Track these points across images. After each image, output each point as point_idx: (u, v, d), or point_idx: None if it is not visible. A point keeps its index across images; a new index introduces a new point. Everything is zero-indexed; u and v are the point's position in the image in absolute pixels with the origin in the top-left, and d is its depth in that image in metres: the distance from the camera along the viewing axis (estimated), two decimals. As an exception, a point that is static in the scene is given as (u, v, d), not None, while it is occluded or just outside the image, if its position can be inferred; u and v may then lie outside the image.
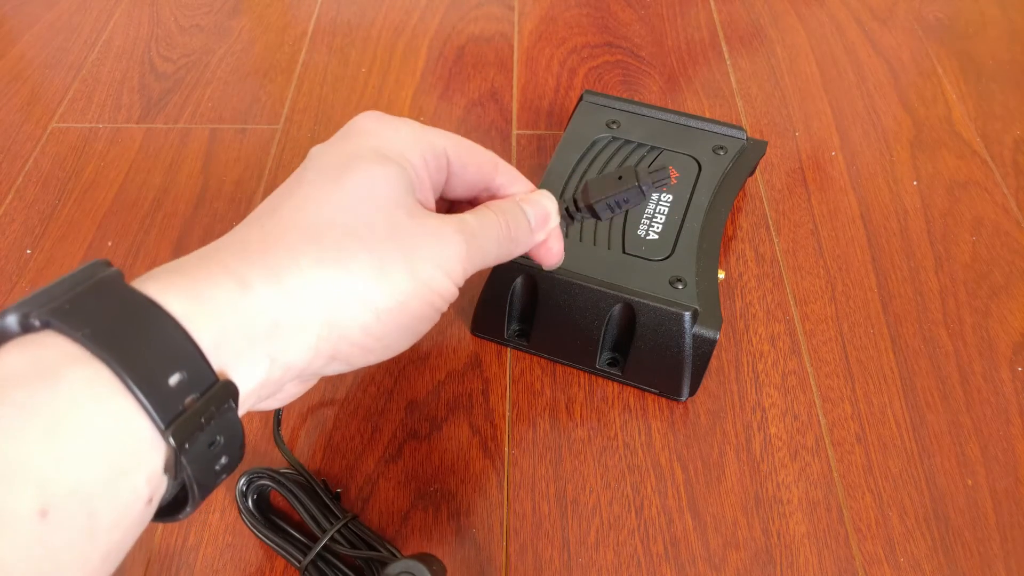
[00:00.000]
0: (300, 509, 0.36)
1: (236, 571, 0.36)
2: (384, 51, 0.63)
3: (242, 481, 0.37)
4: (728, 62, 0.62)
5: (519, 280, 0.41)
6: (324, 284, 0.27)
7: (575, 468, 0.40)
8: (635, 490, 0.39)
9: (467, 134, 0.56)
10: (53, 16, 0.66)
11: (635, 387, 0.42)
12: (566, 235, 0.37)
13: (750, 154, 0.49)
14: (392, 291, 0.28)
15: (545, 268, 0.37)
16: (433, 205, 0.33)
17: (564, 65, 0.62)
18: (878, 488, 0.39)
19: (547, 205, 0.35)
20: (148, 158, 0.54)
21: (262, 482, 0.37)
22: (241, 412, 0.25)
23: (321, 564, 0.35)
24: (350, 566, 0.35)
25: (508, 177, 0.35)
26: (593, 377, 0.43)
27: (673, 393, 0.42)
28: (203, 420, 0.22)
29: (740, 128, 0.49)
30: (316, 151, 0.30)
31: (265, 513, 0.37)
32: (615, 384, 0.43)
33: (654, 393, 0.42)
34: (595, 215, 0.36)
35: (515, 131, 0.57)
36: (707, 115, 0.57)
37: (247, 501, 0.37)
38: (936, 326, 0.46)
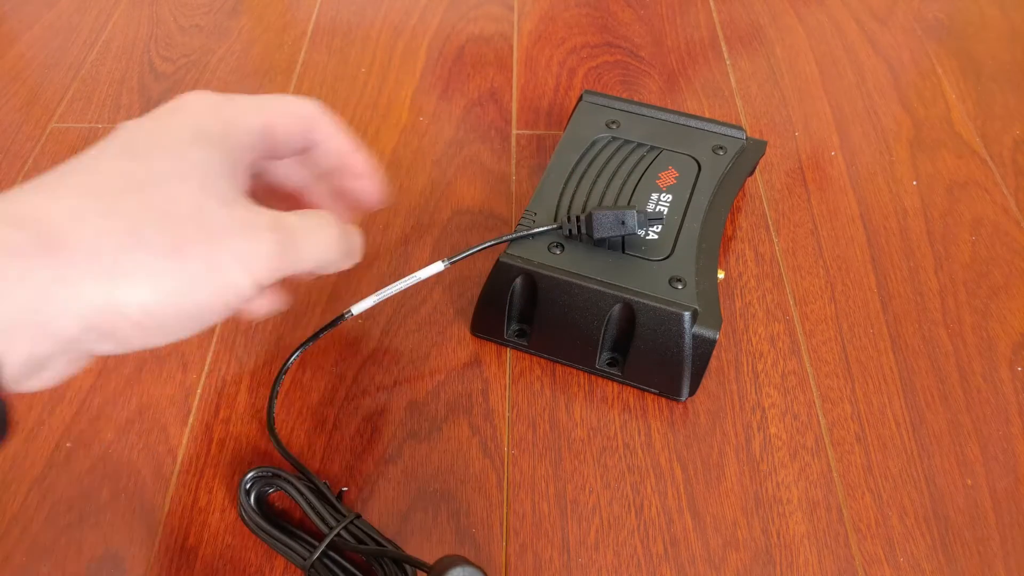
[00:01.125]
0: (306, 507, 0.36)
1: (236, 571, 0.36)
2: (384, 51, 0.63)
3: (246, 480, 0.37)
4: (728, 62, 0.62)
5: (519, 280, 0.41)
6: (110, 251, 0.25)
7: (575, 468, 0.40)
8: (635, 490, 0.39)
9: (467, 134, 0.56)
10: (52, 16, 0.66)
11: (635, 387, 0.42)
12: (561, 248, 0.39)
13: (750, 154, 0.49)
14: (183, 274, 0.26)
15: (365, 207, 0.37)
16: (250, 188, 0.31)
17: (564, 65, 0.62)
18: (878, 488, 0.39)
19: (360, 245, 0.35)
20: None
21: (265, 481, 0.37)
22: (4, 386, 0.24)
23: (327, 561, 0.35)
24: (354, 564, 0.35)
25: (329, 138, 0.34)
26: (593, 377, 0.43)
27: (673, 393, 0.42)
28: None
29: (740, 128, 0.49)
30: (127, 125, 0.29)
31: (266, 513, 0.37)
32: (615, 384, 0.43)
33: (654, 393, 0.42)
34: (592, 239, 0.41)
35: (515, 131, 0.57)
36: (707, 115, 0.57)
37: (249, 500, 0.36)
38: (936, 326, 0.46)
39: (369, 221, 0.50)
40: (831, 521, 0.38)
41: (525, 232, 0.42)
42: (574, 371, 0.43)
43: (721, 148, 0.48)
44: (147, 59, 0.62)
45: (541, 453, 0.40)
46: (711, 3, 0.68)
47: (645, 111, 0.50)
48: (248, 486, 0.37)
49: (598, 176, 0.46)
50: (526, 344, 0.43)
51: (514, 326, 0.44)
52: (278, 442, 0.38)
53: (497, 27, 0.65)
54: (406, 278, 0.40)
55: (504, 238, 0.42)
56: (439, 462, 0.40)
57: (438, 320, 0.45)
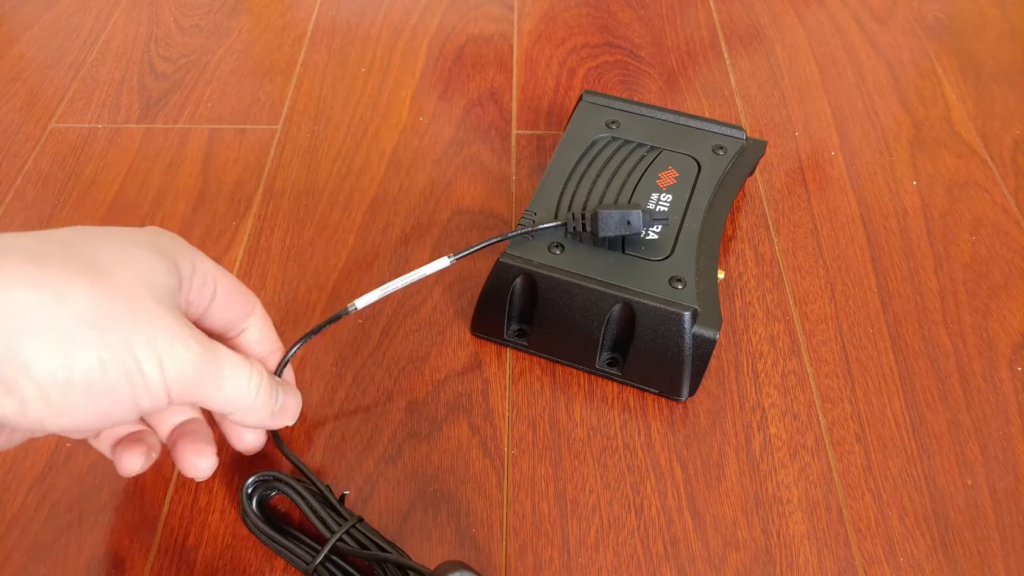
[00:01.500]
0: (308, 511, 0.36)
1: (235, 572, 0.36)
2: (383, 51, 0.63)
3: (248, 485, 0.36)
4: (728, 62, 0.62)
5: (519, 280, 0.41)
6: (29, 299, 0.24)
7: (575, 468, 0.40)
8: (635, 490, 0.39)
9: (467, 134, 0.56)
10: (52, 16, 0.66)
11: (635, 387, 0.42)
12: (561, 248, 0.39)
13: (749, 154, 0.49)
14: (97, 347, 0.25)
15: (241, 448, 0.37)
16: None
17: (564, 65, 0.62)
18: (878, 488, 0.39)
19: (295, 408, 0.36)
20: (147, 158, 0.54)
21: (267, 486, 0.37)
22: None
23: (329, 565, 0.35)
24: (357, 568, 0.35)
25: (259, 328, 0.36)
26: (593, 377, 0.43)
27: (673, 393, 0.42)
28: None
29: (739, 128, 0.49)
30: (83, 226, 0.29)
31: (269, 517, 0.37)
32: (615, 384, 0.43)
33: (654, 393, 0.42)
34: (595, 237, 0.42)
35: (514, 131, 0.57)
36: (707, 115, 0.57)
37: (252, 504, 0.36)
38: (935, 326, 0.46)
39: (369, 221, 0.50)
40: (831, 521, 0.38)
41: (530, 229, 0.42)
42: (574, 371, 0.43)
43: (721, 148, 0.48)
44: (147, 59, 0.62)
45: (541, 453, 0.40)
46: (711, 3, 0.68)
47: (645, 111, 0.50)
48: (250, 491, 0.37)
49: (598, 176, 0.46)
50: (526, 344, 0.43)
51: (514, 326, 0.44)
52: (280, 442, 0.38)
53: (497, 27, 0.65)
54: (411, 273, 0.40)
55: (509, 235, 0.42)
56: (439, 462, 0.40)
57: (438, 320, 0.45)
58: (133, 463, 0.33)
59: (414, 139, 0.56)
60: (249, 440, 0.36)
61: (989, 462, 0.40)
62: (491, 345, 0.44)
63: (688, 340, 0.39)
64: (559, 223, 0.42)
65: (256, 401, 0.32)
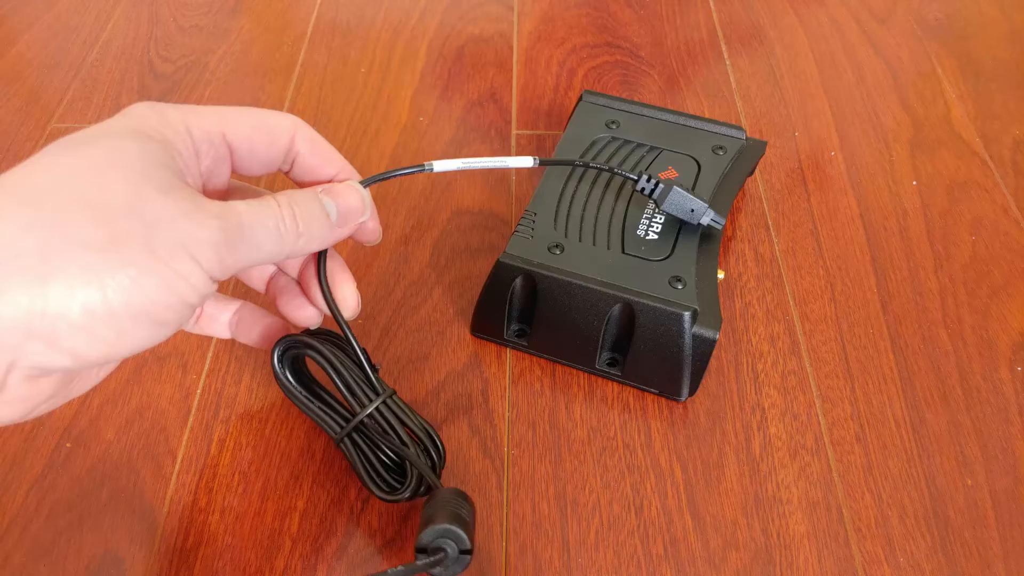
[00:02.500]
0: (343, 378, 0.34)
1: (236, 571, 0.36)
2: (383, 51, 0.63)
3: (278, 349, 0.35)
4: (727, 62, 0.62)
5: (519, 280, 0.41)
6: (34, 250, 0.23)
7: (575, 468, 0.40)
8: (635, 490, 0.39)
9: (467, 134, 0.56)
10: (52, 16, 0.66)
11: (635, 387, 0.42)
12: (561, 248, 0.38)
13: (749, 154, 0.49)
14: (122, 268, 0.24)
15: (366, 244, 0.36)
16: (201, 190, 0.30)
17: (563, 65, 0.62)
18: (878, 488, 0.39)
19: (354, 200, 0.32)
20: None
21: (297, 349, 0.35)
22: None
23: (356, 436, 0.34)
24: (384, 441, 0.34)
25: (315, 153, 0.32)
26: (593, 377, 0.43)
27: (673, 393, 0.42)
28: None
29: (739, 128, 0.49)
30: (66, 135, 0.27)
31: (303, 379, 0.36)
32: (615, 384, 0.43)
33: (654, 393, 0.42)
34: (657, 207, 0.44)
35: (514, 131, 0.57)
36: (706, 115, 0.57)
37: (284, 369, 0.35)
38: (935, 326, 0.46)
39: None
40: (831, 521, 0.38)
41: (592, 164, 0.42)
42: (574, 371, 0.43)
43: (721, 148, 0.48)
44: (147, 59, 0.62)
45: (541, 453, 0.40)
46: (711, 3, 0.68)
47: (645, 111, 0.50)
48: (281, 355, 0.35)
49: (598, 176, 0.46)
50: (526, 344, 0.43)
51: (514, 326, 0.44)
52: (331, 303, 0.34)
53: (497, 27, 0.65)
54: (494, 159, 0.38)
55: (579, 162, 0.42)
56: (439, 462, 0.40)
57: (438, 320, 0.45)
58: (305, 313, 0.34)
59: (414, 139, 0.56)
60: (306, 314, 0.34)
61: (989, 462, 0.40)
62: (491, 345, 0.44)
63: (688, 340, 0.39)
64: (634, 176, 0.42)
65: (302, 230, 0.30)
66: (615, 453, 0.40)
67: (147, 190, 0.26)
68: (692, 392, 0.41)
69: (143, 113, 0.28)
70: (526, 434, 0.41)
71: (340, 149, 0.55)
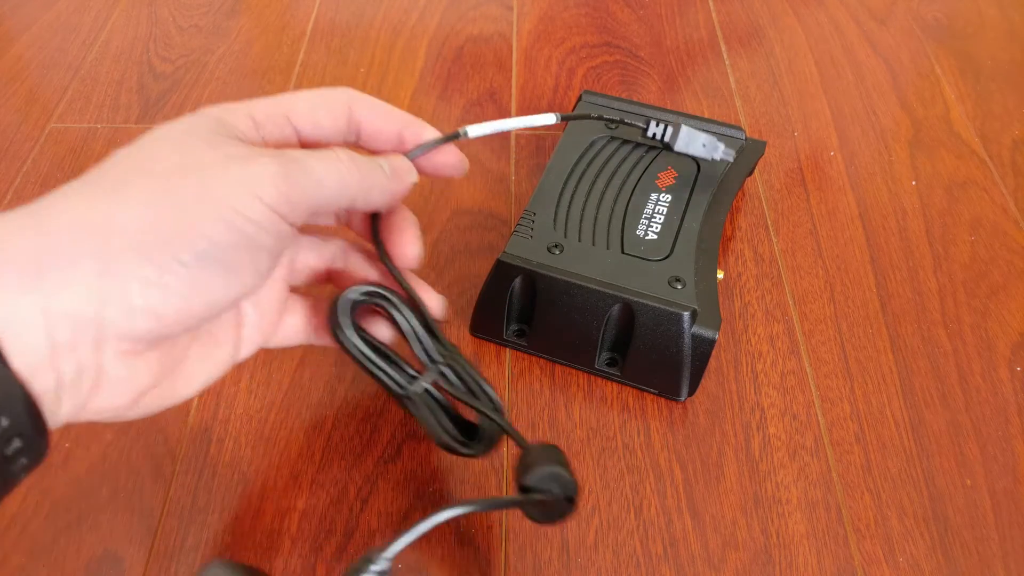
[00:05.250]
0: (409, 334, 0.33)
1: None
2: (383, 51, 0.63)
3: (344, 298, 0.33)
4: (727, 62, 0.62)
5: (518, 280, 0.41)
6: (93, 213, 0.24)
7: (574, 468, 0.40)
8: (634, 490, 0.39)
9: (466, 134, 0.56)
10: (51, 16, 0.66)
11: (634, 387, 0.42)
12: (561, 248, 0.39)
13: (749, 154, 0.49)
14: (182, 214, 0.25)
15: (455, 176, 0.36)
16: None
17: (563, 65, 0.62)
18: (877, 488, 0.39)
19: (401, 161, 0.33)
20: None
21: (368, 300, 0.34)
22: (56, 410, 0.23)
23: (425, 396, 0.33)
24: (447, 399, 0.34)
25: (376, 117, 0.33)
26: (592, 377, 0.43)
27: (672, 393, 0.42)
28: None
29: (739, 128, 0.49)
30: None
31: (366, 337, 0.34)
32: (614, 384, 0.43)
33: (653, 393, 0.42)
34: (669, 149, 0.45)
35: (514, 131, 0.57)
36: (706, 115, 0.57)
37: (349, 322, 0.33)
38: (935, 326, 0.46)
39: (368, 221, 0.50)
40: (830, 521, 0.38)
41: (602, 117, 0.42)
42: (573, 371, 0.43)
43: (720, 148, 0.48)
44: (146, 59, 0.62)
45: (540, 453, 0.40)
46: (710, 3, 0.68)
47: (644, 111, 0.50)
48: (350, 300, 0.33)
49: (597, 176, 0.46)
50: (525, 344, 0.43)
51: (513, 326, 0.44)
52: (384, 254, 0.34)
53: (496, 27, 0.65)
54: (521, 118, 0.38)
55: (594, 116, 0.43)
56: (438, 462, 0.40)
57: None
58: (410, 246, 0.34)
59: (413, 139, 0.56)
60: (410, 252, 0.35)
61: (988, 462, 0.40)
62: (490, 345, 0.44)
63: (687, 340, 0.39)
64: (643, 125, 0.43)
65: (363, 173, 0.31)
66: (614, 453, 0.40)
67: (197, 146, 0.26)
68: (691, 392, 0.41)
69: (206, 109, 0.29)
70: (525, 434, 0.41)
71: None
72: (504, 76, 0.61)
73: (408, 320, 0.34)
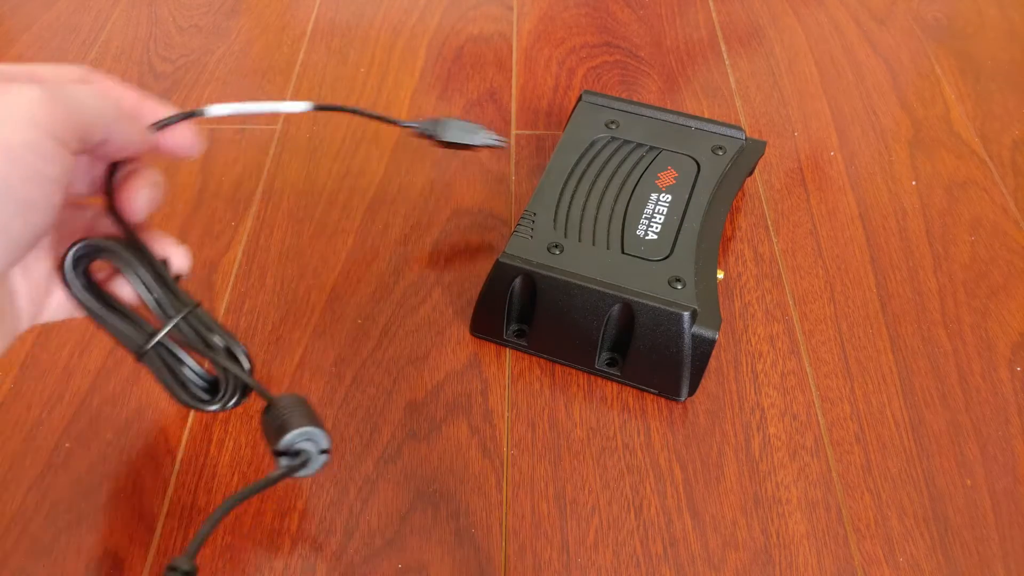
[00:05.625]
0: (142, 289, 0.32)
1: (235, 571, 0.36)
2: (383, 51, 0.63)
3: (72, 253, 0.32)
4: (727, 62, 0.62)
5: (518, 280, 0.41)
6: None
7: (574, 468, 0.40)
8: (634, 490, 0.39)
9: (466, 134, 0.56)
10: (51, 16, 0.66)
11: (634, 387, 0.42)
12: (561, 249, 0.39)
13: (749, 154, 0.49)
14: None
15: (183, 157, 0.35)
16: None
17: (563, 65, 0.62)
18: (877, 488, 0.39)
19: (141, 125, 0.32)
20: (146, 158, 0.54)
21: (94, 255, 0.32)
22: None
23: (163, 351, 0.32)
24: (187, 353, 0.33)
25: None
26: (592, 377, 0.43)
27: (672, 393, 0.42)
28: None
29: (739, 128, 0.49)
30: None
31: (97, 290, 0.33)
32: (614, 384, 0.43)
33: (653, 393, 0.42)
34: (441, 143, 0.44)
35: (514, 131, 0.57)
36: (706, 115, 0.57)
37: (77, 276, 0.32)
38: (935, 326, 0.46)
39: (368, 221, 0.50)
40: (830, 521, 0.38)
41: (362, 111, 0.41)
42: (573, 371, 0.43)
43: (720, 148, 0.48)
44: (146, 59, 0.62)
45: (540, 453, 0.40)
46: (710, 3, 0.68)
47: (644, 111, 0.50)
48: (74, 261, 0.32)
49: (597, 176, 0.46)
50: (525, 344, 0.43)
51: (513, 326, 0.44)
52: (112, 205, 0.33)
53: (496, 27, 0.65)
54: (267, 102, 0.38)
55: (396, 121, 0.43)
56: (438, 462, 0.40)
57: (437, 320, 0.45)
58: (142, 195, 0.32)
59: (413, 139, 0.56)
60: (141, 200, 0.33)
61: (988, 462, 0.40)
62: (490, 345, 0.44)
63: (687, 340, 0.39)
64: (399, 120, 0.43)
65: (115, 97, 0.30)
66: (614, 453, 0.40)
67: None
68: (692, 392, 0.41)
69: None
70: (525, 434, 0.41)
71: (339, 149, 0.55)
72: (504, 76, 0.61)
73: (137, 273, 0.32)
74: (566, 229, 0.43)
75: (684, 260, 0.41)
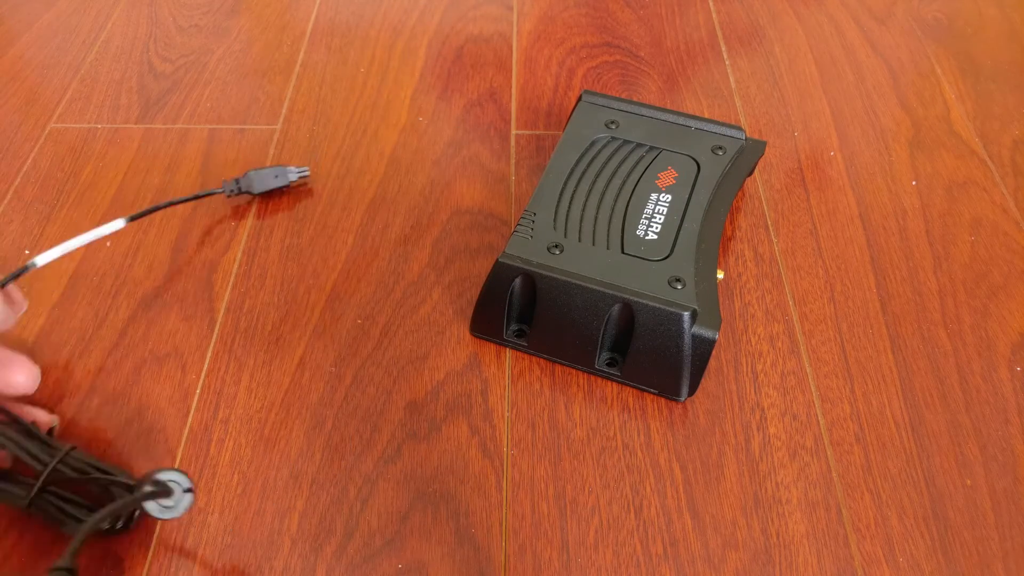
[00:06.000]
0: (16, 449, 0.34)
1: (235, 572, 0.36)
2: (383, 51, 0.63)
3: None
4: (727, 62, 0.62)
5: (518, 280, 0.41)
6: None
7: (574, 468, 0.40)
8: (634, 490, 0.39)
9: (466, 134, 0.56)
10: (51, 16, 0.66)
11: (634, 387, 0.42)
12: (560, 249, 0.39)
13: (749, 154, 0.49)
14: None
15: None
16: None
17: (563, 65, 0.62)
18: (877, 488, 0.39)
19: (15, 290, 0.37)
20: (146, 158, 0.54)
21: None
22: None
23: (49, 497, 0.34)
24: (78, 494, 0.35)
25: None
26: (592, 377, 0.43)
27: (672, 393, 0.42)
28: None
29: (739, 128, 0.49)
30: None
31: None
32: (614, 384, 0.43)
33: (653, 393, 0.42)
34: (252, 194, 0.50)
35: (514, 131, 0.57)
36: (706, 115, 0.57)
37: None
38: (935, 326, 0.46)
39: (368, 221, 0.50)
40: (830, 521, 0.38)
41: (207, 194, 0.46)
42: (573, 371, 0.43)
43: (720, 148, 0.48)
44: (146, 59, 0.62)
45: (540, 453, 0.40)
46: (710, 3, 0.68)
47: (644, 111, 0.50)
48: None
49: (597, 176, 0.46)
50: (525, 344, 0.43)
51: (513, 326, 0.44)
52: None
53: (496, 27, 0.65)
54: (91, 231, 0.42)
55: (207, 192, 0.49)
56: (438, 462, 0.40)
57: (437, 320, 0.45)
58: None
59: (413, 139, 0.56)
60: (18, 381, 0.37)
61: (988, 462, 0.40)
62: (490, 345, 0.44)
63: (687, 340, 0.39)
64: (222, 190, 0.50)
65: None
66: (614, 453, 0.40)
67: None
68: (691, 392, 0.41)
69: None
70: (525, 434, 0.41)
71: (339, 149, 0.55)
72: (504, 76, 0.61)
73: (5, 434, 0.35)
74: (566, 229, 0.43)
75: (684, 260, 0.41)
